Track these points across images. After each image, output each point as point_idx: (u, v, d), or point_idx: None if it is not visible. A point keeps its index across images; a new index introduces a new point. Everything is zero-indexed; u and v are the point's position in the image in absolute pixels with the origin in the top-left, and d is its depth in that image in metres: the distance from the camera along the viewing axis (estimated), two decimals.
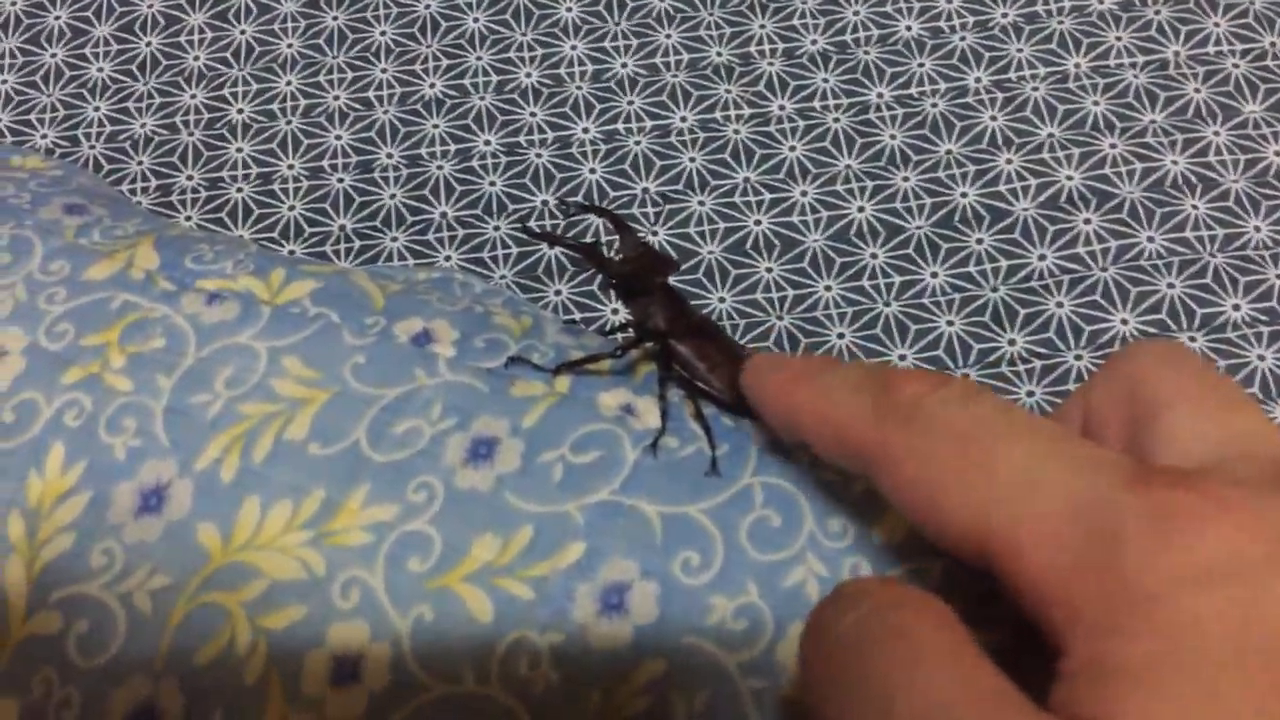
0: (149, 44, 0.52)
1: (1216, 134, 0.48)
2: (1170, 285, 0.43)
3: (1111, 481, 0.20)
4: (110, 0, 0.53)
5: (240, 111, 0.50)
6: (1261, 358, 0.41)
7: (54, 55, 0.52)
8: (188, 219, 0.47)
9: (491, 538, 0.28)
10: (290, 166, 0.48)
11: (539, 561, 0.27)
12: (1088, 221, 0.46)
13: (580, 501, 0.28)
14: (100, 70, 0.51)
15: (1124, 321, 0.42)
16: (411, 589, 0.27)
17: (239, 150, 0.49)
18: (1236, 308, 0.42)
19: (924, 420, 0.22)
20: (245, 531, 0.28)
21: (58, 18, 0.52)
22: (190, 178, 0.48)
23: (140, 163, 0.49)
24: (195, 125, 0.50)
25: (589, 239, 0.39)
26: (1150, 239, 0.44)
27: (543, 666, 0.26)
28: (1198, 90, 0.49)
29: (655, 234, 0.45)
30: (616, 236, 0.33)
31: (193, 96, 0.50)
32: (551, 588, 0.27)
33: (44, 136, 0.50)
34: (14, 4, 0.52)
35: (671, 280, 0.32)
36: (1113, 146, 0.48)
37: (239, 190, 0.48)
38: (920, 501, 0.23)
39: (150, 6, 0.53)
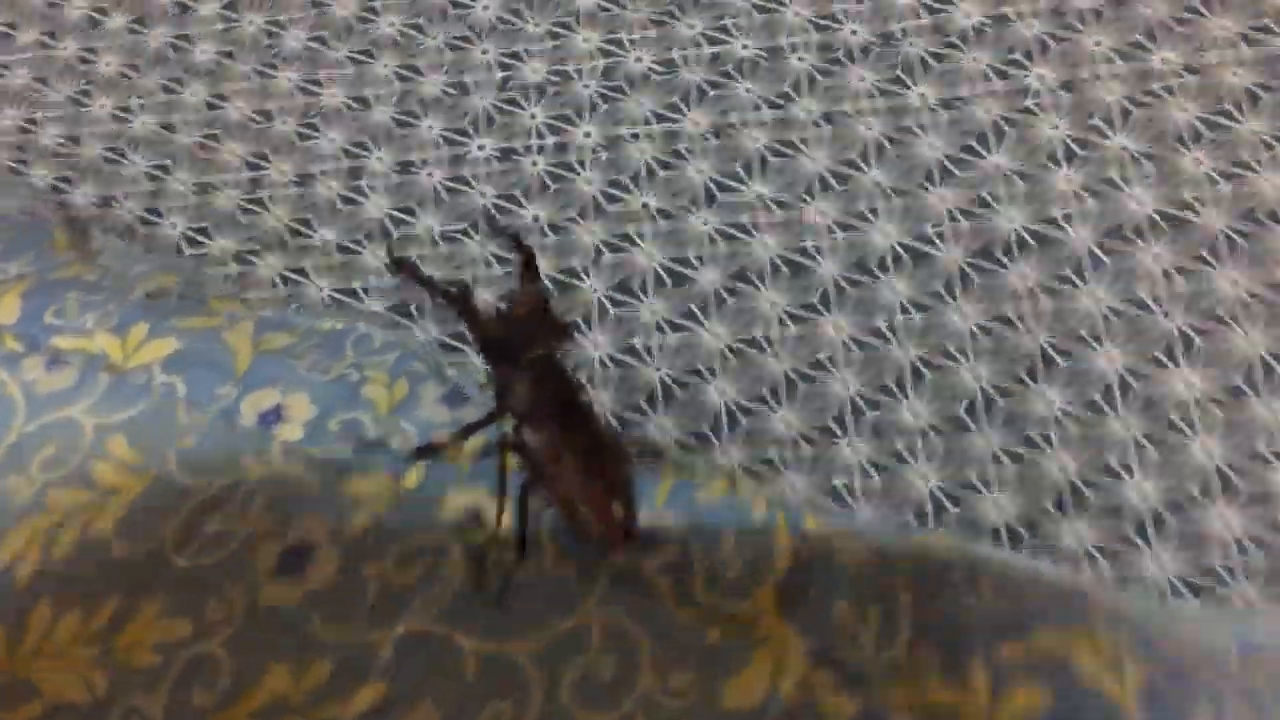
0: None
1: None
2: None
3: None
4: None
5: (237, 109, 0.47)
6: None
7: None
8: (172, 225, 0.44)
9: (286, 669, 0.24)
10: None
11: (331, 701, 0.24)
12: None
13: (391, 630, 0.24)
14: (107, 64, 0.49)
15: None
16: None
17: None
18: None
19: None
20: (34, 639, 0.25)
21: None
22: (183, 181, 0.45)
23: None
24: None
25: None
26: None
27: None
28: None
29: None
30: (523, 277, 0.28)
31: (194, 94, 0.48)
32: None
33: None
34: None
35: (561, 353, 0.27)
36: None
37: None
38: None
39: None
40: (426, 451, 0.27)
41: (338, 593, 0.25)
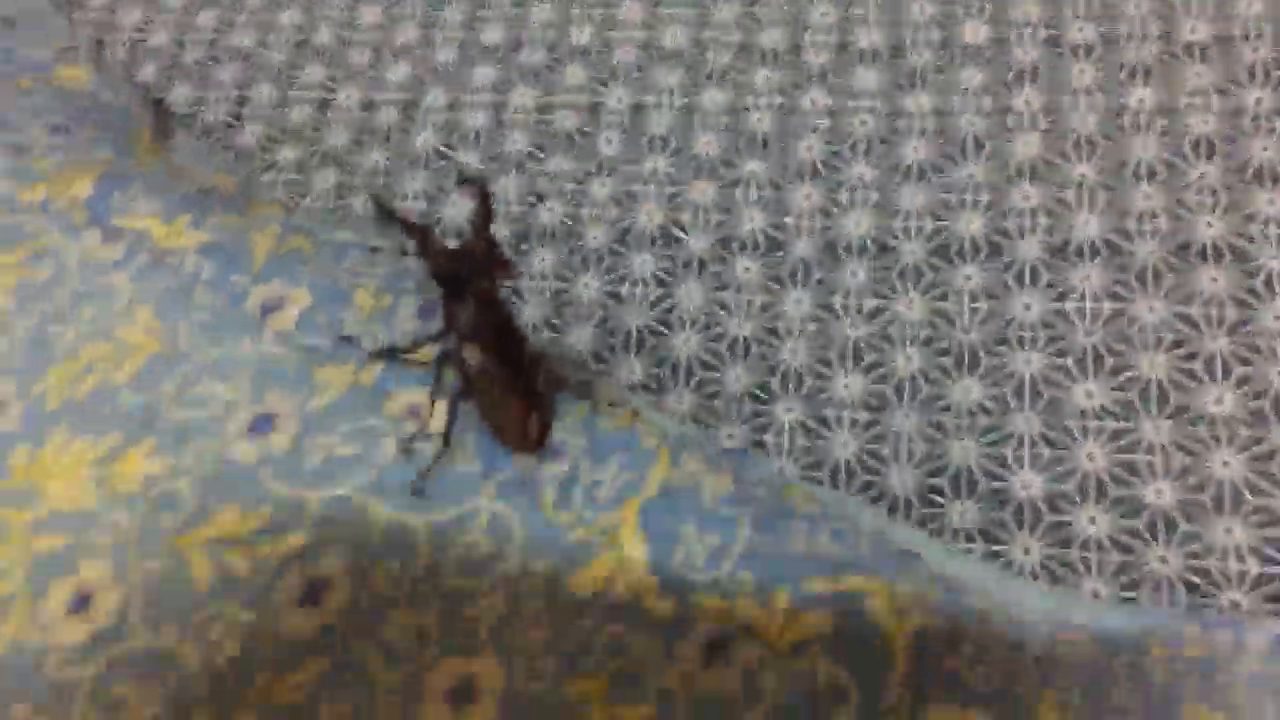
0: None
1: None
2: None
3: None
4: None
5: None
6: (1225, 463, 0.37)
7: None
8: (251, 133, 0.50)
9: (236, 510, 0.30)
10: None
11: (267, 541, 0.30)
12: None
13: (323, 492, 0.30)
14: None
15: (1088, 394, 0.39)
16: (156, 542, 0.30)
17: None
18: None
19: None
20: (51, 456, 0.32)
21: None
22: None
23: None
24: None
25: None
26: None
27: (233, 640, 0.28)
28: None
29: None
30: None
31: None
32: (266, 567, 0.29)
33: None
34: None
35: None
36: None
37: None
38: None
39: None
40: (387, 353, 0.33)
41: (289, 456, 0.30)
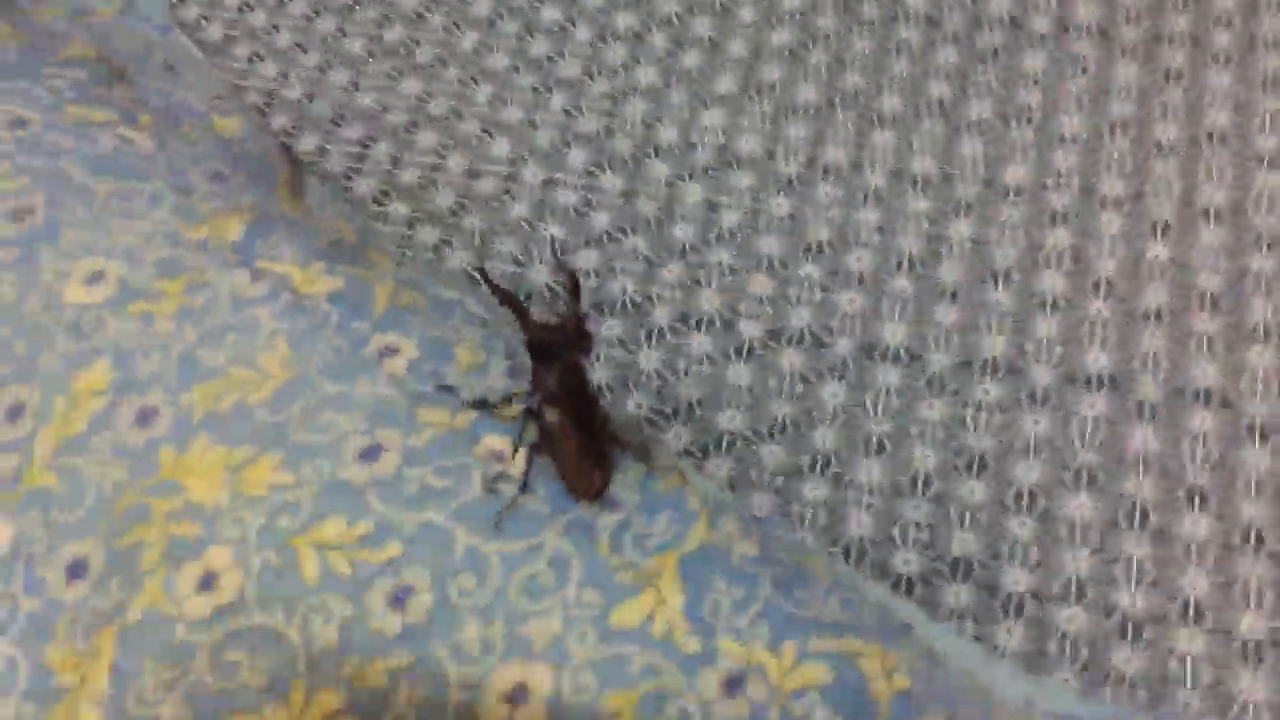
0: None
1: None
2: None
3: None
4: None
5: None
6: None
7: None
8: (367, 185, 0.56)
9: (343, 520, 0.36)
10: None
11: (366, 549, 0.35)
12: None
13: (416, 514, 0.36)
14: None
15: None
16: (273, 538, 0.36)
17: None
18: None
19: None
20: (193, 458, 0.38)
21: None
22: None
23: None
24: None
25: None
26: None
27: (331, 628, 0.34)
28: None
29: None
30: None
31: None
32: (364, 571, 0.35)
33: None
34: None
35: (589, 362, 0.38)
36: None
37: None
38: None
39: None
40: (480, 404, 0.39)
41: (391, 481, 0.37)
